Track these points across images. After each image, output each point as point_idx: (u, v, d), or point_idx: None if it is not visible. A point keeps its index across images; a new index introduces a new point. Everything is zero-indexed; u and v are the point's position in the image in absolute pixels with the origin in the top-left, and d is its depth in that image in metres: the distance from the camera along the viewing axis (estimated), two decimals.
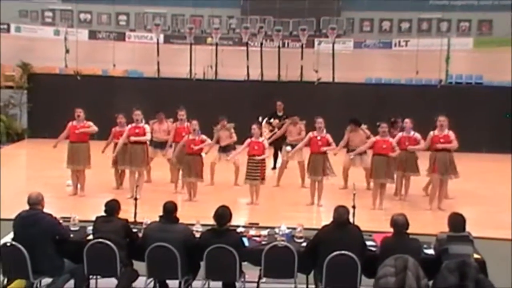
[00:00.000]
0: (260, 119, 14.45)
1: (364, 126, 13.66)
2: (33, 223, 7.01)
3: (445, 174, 12.10)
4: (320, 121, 12.44)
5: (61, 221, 7.57)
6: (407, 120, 12.87)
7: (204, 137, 12.44)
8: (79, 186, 12.81)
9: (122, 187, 13.30)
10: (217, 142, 13.84)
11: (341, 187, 13.66)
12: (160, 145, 13.66)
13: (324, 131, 12.40)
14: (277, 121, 15.14)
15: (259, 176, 12.27)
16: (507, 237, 10.31)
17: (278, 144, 14.99)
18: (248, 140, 12.39)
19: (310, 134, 12.56)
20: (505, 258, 8.91)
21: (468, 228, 7.00)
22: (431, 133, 12.15)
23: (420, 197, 13.08)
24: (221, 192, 13.40)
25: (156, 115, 13.87)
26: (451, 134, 12.09)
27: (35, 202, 7.18)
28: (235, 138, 13.67)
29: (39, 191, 7.38)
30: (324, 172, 12.28)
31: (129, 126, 12.68)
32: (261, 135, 12.67)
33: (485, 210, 12.61)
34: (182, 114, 13.38)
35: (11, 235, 7.51)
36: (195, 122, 12.45)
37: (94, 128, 12.64)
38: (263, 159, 12.34)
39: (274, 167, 15.41)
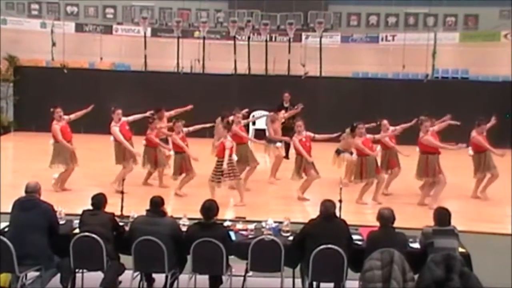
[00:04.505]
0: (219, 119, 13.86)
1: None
2: (32, 207, 7.20)
3: (436, 175, 12.13)
4: (299, 124, 12.36)
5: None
6: (385, 122, 12.94)
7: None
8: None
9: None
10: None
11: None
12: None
13: (304, 132, 12.32)
14: (283, 111, 14.98)
15: (233, 176, 11.91)
16: (493, 231, 10.44)
17: (288, 135, 14.58)
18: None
19: (294, 139, 12.30)
20: (490, 251, 8.98)
21: (453, 221, 7.06)
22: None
23: (405, 191, 13.14)
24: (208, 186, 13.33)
25: (158, 113, 13.52)
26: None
27: (33, 190, 7.39)
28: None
29: (37, 181, 7.54)
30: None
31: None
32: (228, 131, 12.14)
33: (471, 203, 12.77)
34: (179, 125, 12.78)
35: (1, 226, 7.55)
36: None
37: None
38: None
39: (287, 157, 15.04)
